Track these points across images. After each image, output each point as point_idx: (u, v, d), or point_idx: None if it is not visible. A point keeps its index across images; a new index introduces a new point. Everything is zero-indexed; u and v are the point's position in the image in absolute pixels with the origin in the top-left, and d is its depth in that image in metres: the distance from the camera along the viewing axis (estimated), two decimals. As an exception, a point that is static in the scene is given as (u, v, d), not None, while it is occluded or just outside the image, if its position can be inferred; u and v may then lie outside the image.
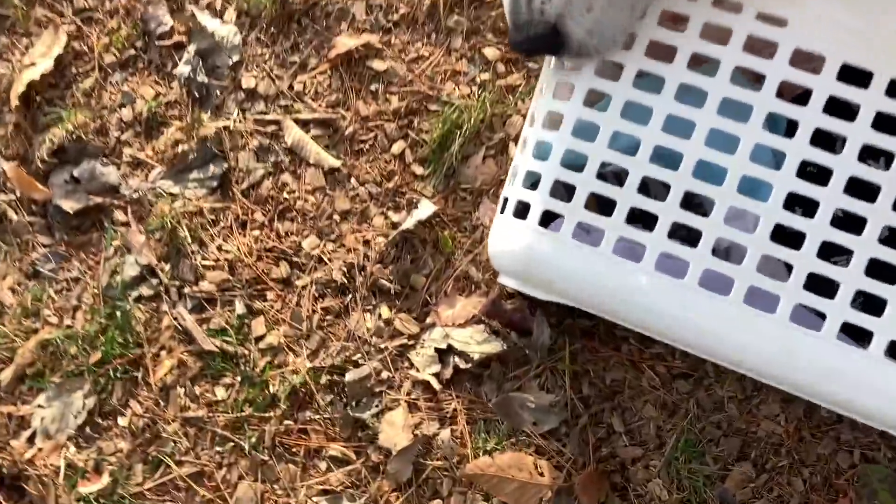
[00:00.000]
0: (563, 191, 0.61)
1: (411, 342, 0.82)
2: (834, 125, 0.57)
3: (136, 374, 0.81)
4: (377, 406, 0.80)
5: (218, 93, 0.89)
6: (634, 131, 0.59)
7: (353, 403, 0.80)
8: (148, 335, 0.82)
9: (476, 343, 0.81)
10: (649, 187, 0.61)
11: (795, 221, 0.58)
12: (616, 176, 0.64)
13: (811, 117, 0.57)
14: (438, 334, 0.82)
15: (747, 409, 0.79)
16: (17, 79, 0.89)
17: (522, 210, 0.63)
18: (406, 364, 0.82)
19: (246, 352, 0.82)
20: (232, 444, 0.79)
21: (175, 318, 0.83)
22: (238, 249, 0.85)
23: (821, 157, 0.57)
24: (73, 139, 0.88)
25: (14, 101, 0.88)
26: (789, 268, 0.58)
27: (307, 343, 0.83)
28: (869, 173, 0.56)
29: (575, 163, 0.61)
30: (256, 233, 0.86)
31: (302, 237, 0.85)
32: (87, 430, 0.79)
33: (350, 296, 0.84)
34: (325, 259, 0.85)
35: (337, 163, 0.87)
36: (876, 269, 0.56)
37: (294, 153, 0.87)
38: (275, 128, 0.88)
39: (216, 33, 0.90)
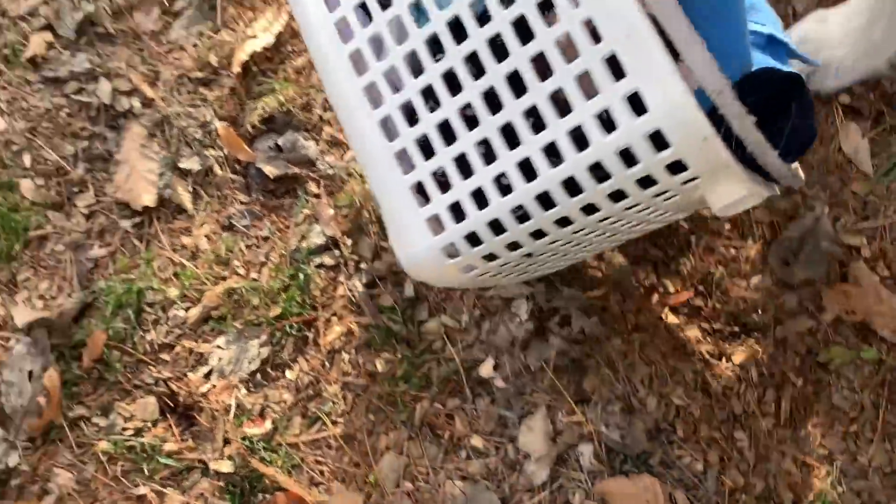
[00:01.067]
0: None
1: (561, 353, 0.86)
2: None
3: (308, 334, 0.87)
4: (522, 409, 0.84)
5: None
6: None
7: (500, 401, 0.85)
8: (323, 300, 0.89)
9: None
10: None
11: None
12: None
13: None
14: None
15: (892, 483, 0.79)
16: (240, 48, 0.97)
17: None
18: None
19: (408, 332, 0.87)
20: (384, 414, 0.85)
21: (349, 290, 0.89)
22: (414, 237, 0.90)
23: None
24: (282, 111, 0.95)
25: (236, 68, 0.96)
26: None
27: (464, 336, 0.87)
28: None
29: None
30: (432, 224, 0.91)
31: (475, 236, 0.90)
32: (258, 376, 0.86)
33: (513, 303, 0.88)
34: (494, 260, 0.89)
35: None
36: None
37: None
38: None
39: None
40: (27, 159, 0.96)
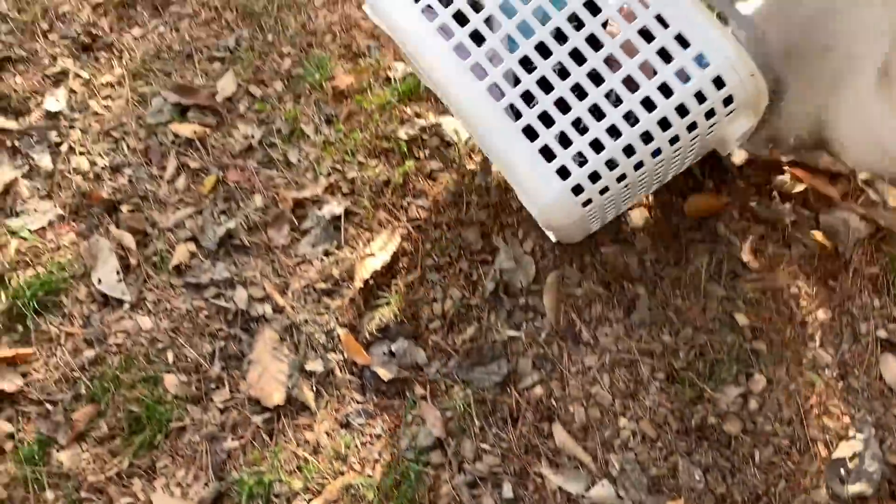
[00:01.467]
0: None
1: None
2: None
3: (418, 530, 0.98)
4: None
5: (510, 307, 1.11)
6: None
7: None
8: (430, 497, 1.00)
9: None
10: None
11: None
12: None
13: None
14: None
15: None
16: (361, 265, 1.14)
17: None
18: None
19: (507, 531, 0.98)
20: None
21: (454, 488, 1.00)
22: (510, 440, 1.03)
23: None
24: (396, 321, 1.11)
25: (357, 283, 1.13)
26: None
27: (557, 535, 0.98)
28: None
29: None
30: (525, 429, 1.04)
31: (565, 445, 1.03)
32: (373, 569, 0.96)
33: None
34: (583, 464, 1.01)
35: (606, 395, 1.05)
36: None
37: (566, 370, 1.07)
38: (556, 347, 1.08)
39: (518, 258, 1.13)
40: (170, 356, 1.10)
